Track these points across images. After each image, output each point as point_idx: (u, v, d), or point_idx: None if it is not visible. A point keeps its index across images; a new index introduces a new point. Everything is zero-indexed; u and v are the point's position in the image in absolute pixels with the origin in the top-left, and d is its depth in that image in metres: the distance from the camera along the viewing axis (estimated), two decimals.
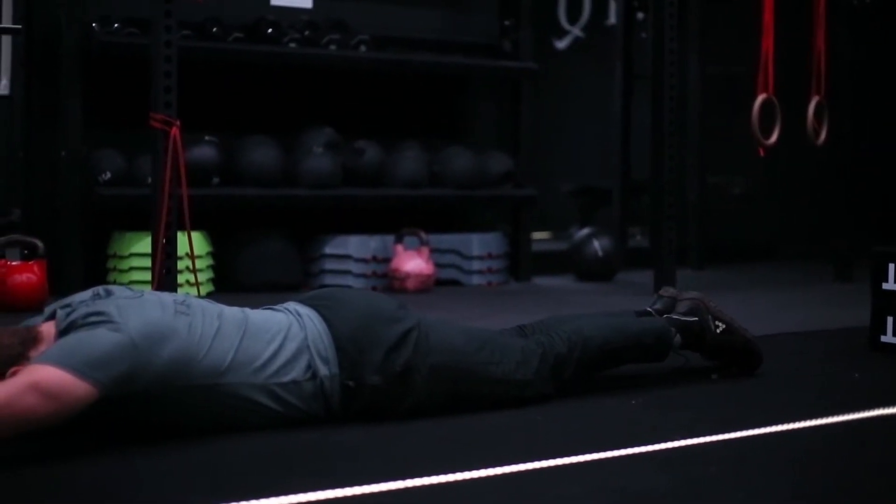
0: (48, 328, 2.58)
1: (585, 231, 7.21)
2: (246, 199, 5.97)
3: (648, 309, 3.49)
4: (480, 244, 6.54)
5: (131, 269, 5.45)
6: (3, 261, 5.13)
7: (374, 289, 5.88)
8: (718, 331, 3.43)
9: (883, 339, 4.01)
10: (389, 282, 6.13)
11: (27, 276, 5.12)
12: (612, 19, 8.51)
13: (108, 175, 5.64)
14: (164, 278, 4.23)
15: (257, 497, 2.18)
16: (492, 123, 7.22)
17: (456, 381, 2.92)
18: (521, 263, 6.87)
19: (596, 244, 6.95)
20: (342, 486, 2.26)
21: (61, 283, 5.23)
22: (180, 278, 4.67)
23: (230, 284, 5.83)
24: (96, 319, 2.51)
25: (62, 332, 2.53)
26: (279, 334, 2.77)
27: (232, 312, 2.78)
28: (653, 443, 2.64)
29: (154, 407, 2.59)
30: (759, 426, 2.83)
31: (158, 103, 4.28)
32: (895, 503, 2.31)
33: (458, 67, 6.83)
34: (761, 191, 8.59)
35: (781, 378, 3.54)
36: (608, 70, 8.30)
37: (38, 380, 2.36)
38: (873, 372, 3.70)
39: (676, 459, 2.56)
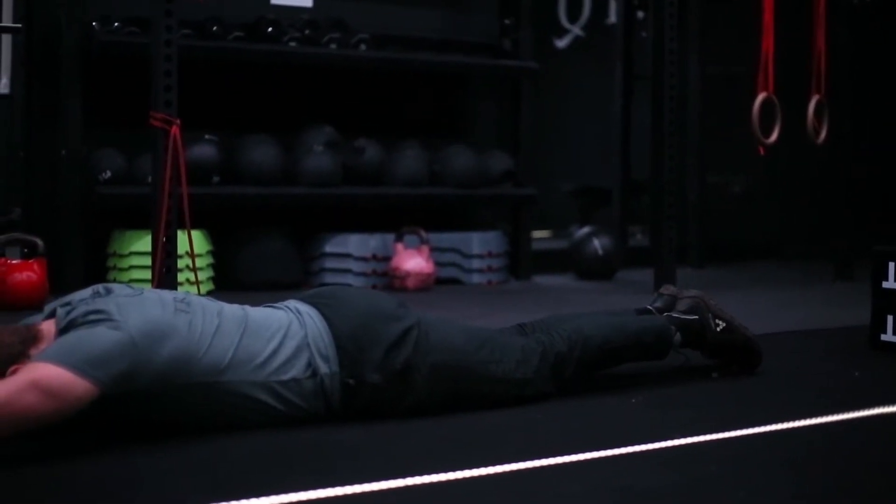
0: (48, 326, 2.58)
1: (586, 230, 7.21)
2: (246, 197, 5.97)
3: (648, 307, 3.49)
4: (480, 243, 6.54)
5: (131, 267, 5.45)
6: (3, 259, 5.13)
7: (374, 287, 5.87)
8: (719, 329, 3.43)
9: (883, 337, 4.01)
10: (389, 280, 6.13)
11: (27, 274, 5.12)
12: (613, 18, 8.51)
13: (109, 174, 5.64)
14: (165, 277, 4.23)
15: (258, 495, 2.18)
16: (492, 122, 7.22)
17: (456, 379, 2.92)
18: (521, 262, 6.87)
19: (596, 243, 6.96)
20: (342, 484, 2.26)
21: (61, 281, 5.22)
22: (180, 277, 4.67)
23: (230, 283, 5.83)
24: (96, 318, 2.51)
25: (62, 331, 2.52)
26: (279, 332, 2.77)
27: (232, 310, 2.78)
28: (653, 441, 2.64)
29: (154, 405, 2.60)
30: (759, 425, 2.83)
31: (159, 102, 4.28)
32: (895, 503, 2.32)
33: (458, 66, 6.83)
34: (761, 190, 8.59)
35: (782, 377, 3.54)
36: (608, 69, 8.30)
37: (37, 378, 2.36)
38: (873, 371, 3.70)
39: (677, 458, 2.56)
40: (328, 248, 6.20)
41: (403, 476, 2.33)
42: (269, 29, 6.11)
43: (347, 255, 6.19)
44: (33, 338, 2.54)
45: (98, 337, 2.46)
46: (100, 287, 2.70)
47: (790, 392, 3.36)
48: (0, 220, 5.39)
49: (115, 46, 5.63)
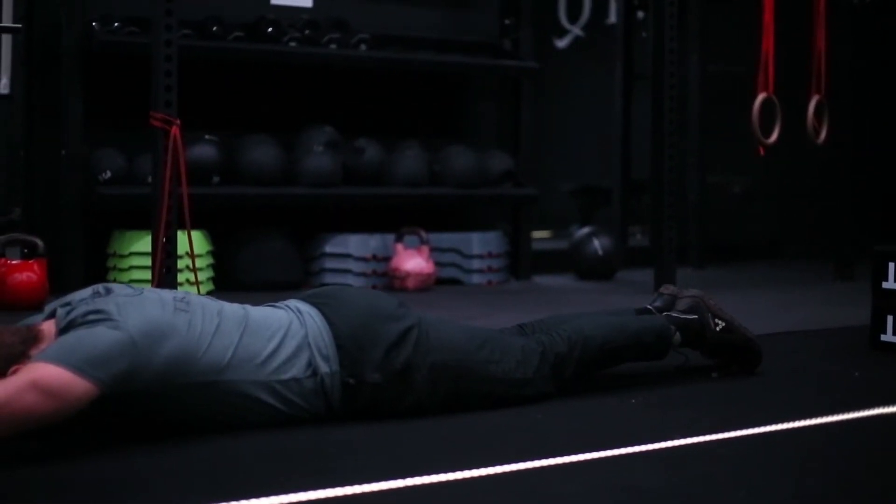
0: (48, 327, 2.58)
1: (586, 230, 7.21)
2: (246, 197, 5.97)
3: (648, 307, 3.49)
4: (481, 243, 6.54)
5: (131, 267, 5.45)
6: (3, 259, 5.13)
7: (374, 287, 5.87)
8: (718, 329, 3.43)
9: (883, 337, 4.01)
10: (390, 281, 6.13)
11: (27, 274, 5.12)
12: (613, 18, 8.52)
13: (109, 174, 5.64)
14: (165, 277, 4.23)
15: (258, 495, 2.18)
16: (492, 122, 7.22)
17: (456, 379, 2.92)
18: (521, 262, 6.87)
19: (596, 243, 6.95)
20: (343, 484, 2.26)
21: (61, 281, 5.22)
22: (180, 277, 4.67)
23: (230, 283, 5.83)
24: (96, 318, 2.51)
25: (62, 331, 2.53)
26: (279, 331, 2.77)
27: (232, 309, 2.78)
28: (653, 441, 2.64)
29: (154, 404, 2.60)
30: (759, 425, 2.83)
31: (159, 102, 4.28)
32: (895, 503, 2.32)
33: (458, 66, 6.82)
34: (762, 190, 8.59)
35: (781, 376, 3.54)
36: (608, 69, 8.30)
37: (37, 378, 2.36)
38: (873, 371, 3.70)
39: (677, 458, 2.56)
40: (328, 249, 6.20)
41: (403, 476, 2.33)
42: (270, 29, 6.10)
43: (347, 256, 6.19)
44: (34, 338, 2.54)
45: (98, 337, 2.46)
46: (100, 287, 2.70)
47: (790, 392, 3.36)
48: (0, 220, 5.39)
49: (116, 46, 5.63)
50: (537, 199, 6.91)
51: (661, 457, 2.56)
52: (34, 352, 2.50)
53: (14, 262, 5.14)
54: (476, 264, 6.51)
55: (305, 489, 2.23)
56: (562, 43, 9.24)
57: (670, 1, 5.85)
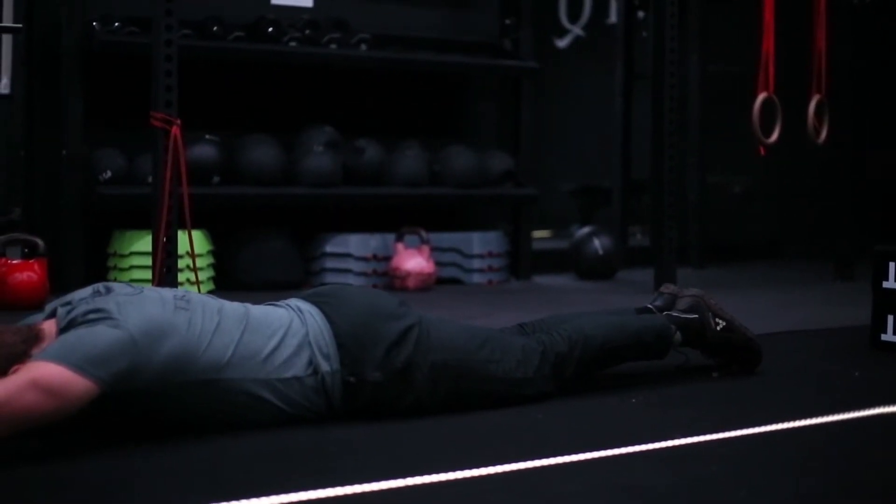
0: (49, 326, 2.58)
1: (586, 230, 7.21)
2: (246, 197, 5.97)
3: (649, 306, 3.49)
4: (481, 243, 6.54)
5: (132, 267, 5.45)
6: (3, 259, 5.13)
7: (374, 287, 5.87)
8: (719, 328, 3.43)
9: (883, 337, 4.01)
10: (390, 280, 6.13)
11: (28, 274, 5.12)
12: (613, 18, 8.52)
13: (109, 174, 5.64)
14: (165, 277, 4.24)
15: (258, 495, 2.18)
16: (492, 122, 7.22)
17: (457, 378, 2.92)
18: (521, 262, 6.87)
19: (596, 243, 6.96)
20: (343, 483, 2.26)
21: (62, 281, 5.22)
22: (181, 277, 4.68)
23: (231, 283, 5.82)
24: (96, 316, 2.51)
25: (63, 330, 2.53)
26: (280, 330, 2.77)
27: (233, 307, 2.79)
28: (654, 441, 2.64)
29: (154, 403, 2.60)
30: (759, 424, 2.83)
31: (159, 102, 4.28)
32: (895, 503, 2.32)
33: (458, 66, 6.82)
34: (762, 190, 8.59)
35: (782, 376, 3.54)
36: (608, 69, 8.30)
37: (38, 377, 2.36)
38: (874, 370, 3.70)
39: (677, 457, 2.56)
40: (328, 248, 6.20)
41: (404, 476, 2.33)
42: (270, 29, 6.10)
43: (348, 255, 6.19)
44: (35, 337, 2.54)
45: (98, 336, 2.46)
46: (100, 286, 2.70)
47: (790, 392, 3.36)
48: (0, 220, 5.39)
49: (116, 46, 5.63)
50: (537, 198, 6.92)
51: (662, 456, 2.56)
52: (35, 351, 2.50)
53: (14, 261, 5.14)
54: (476, 264, 6.52)
55: (305, 489, 2.22)
56: (562, 43, 9.24)
57: (671, 1, 5.85)
